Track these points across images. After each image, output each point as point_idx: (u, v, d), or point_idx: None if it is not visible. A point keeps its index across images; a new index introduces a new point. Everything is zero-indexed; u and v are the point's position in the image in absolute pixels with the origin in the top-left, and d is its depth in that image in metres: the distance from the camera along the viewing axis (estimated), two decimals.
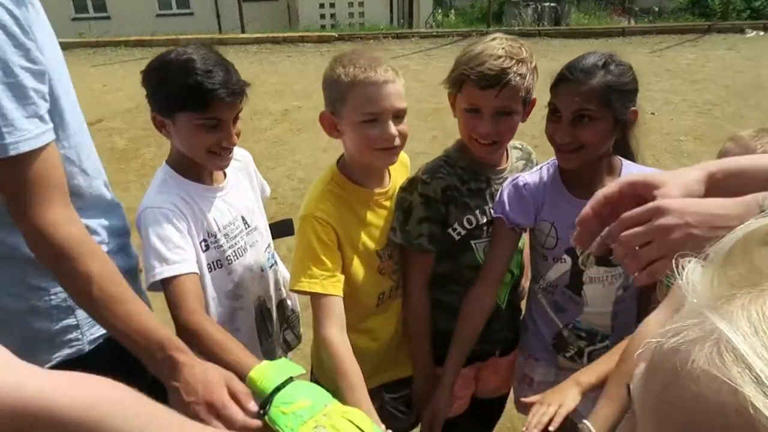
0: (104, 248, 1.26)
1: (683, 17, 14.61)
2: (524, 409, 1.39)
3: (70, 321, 1.23)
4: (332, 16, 18.93)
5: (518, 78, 1.38)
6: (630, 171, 1.45)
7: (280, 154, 5.68)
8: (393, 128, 1.37)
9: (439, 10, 21.28)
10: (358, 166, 1.48)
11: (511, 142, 1.63)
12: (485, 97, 1.39)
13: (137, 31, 12.07)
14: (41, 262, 1.09)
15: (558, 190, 1.49)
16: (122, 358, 1.12)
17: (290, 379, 1.11)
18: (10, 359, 0.65)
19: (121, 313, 1.07)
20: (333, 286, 1.40)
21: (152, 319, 1.11)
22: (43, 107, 1.05)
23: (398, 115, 1.38)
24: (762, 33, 10.77)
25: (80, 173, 1.23)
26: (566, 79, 1.37)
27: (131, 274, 1.39)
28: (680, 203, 0.72)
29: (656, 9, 16.72)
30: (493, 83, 1.37)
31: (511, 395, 1.83)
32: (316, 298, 1.39)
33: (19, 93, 0.99)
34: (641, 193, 0.79)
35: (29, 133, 1.01)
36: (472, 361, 1.67)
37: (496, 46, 1.39)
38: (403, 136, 1.41)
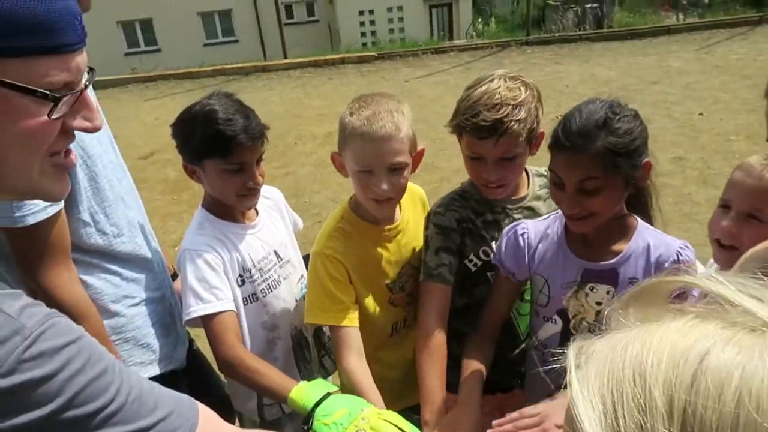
0: (130, 301, 1.42)
1: (734, 9, 14.11)
2: None
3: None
4: (372, 33, 19.24)
5: (516, 124, 1.34)
6: (643, 235, 1.34)
7: (325, 177, 5.78)
8: (385, 183, 1.39)
9: (479, 20, 21.29)
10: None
11: (534, 169, 1.61)
12: (485, 146, 1.37)
13: (186, 61, 12.62)
14: None
15: (559, 246, 1.39)
16: None
17: (328, 395, 1.24)
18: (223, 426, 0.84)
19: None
20: (347, 318, 1.46)
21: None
22: None
23: (395, 168, 1.40)
24: None
25: (114, 236, 1.38)
26: (563, 147, 1.22)
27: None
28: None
29: (706, 1, 16.19)
30: (490, 133, 1.34)
31: None
32: (334, 330, 1.48)
33: None
34: None
35: (36, 206, 1.14)
36: (494, 392, 1.62)
37: (492, 92, 1.36)
38: (399, 189, 1.43)
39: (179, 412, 0.78)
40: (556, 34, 11.60)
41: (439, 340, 1.44)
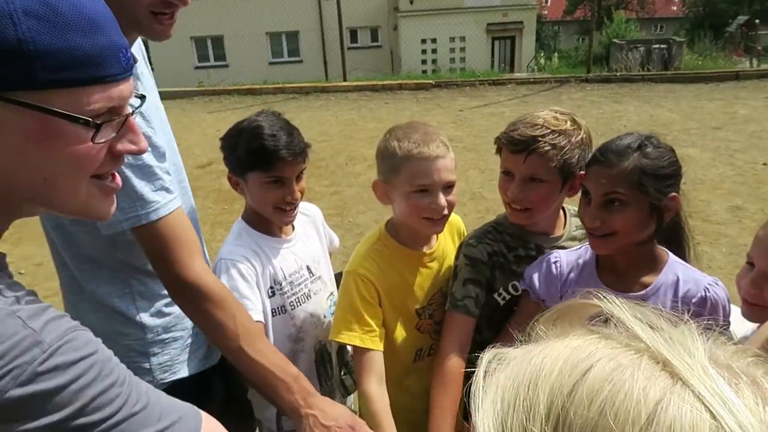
0: None
1: None
2: None
3: (144, 365, 1.40)
4: (434, 62, 19.46)
5: (549, 148, 1.37)
6: (674, 269, 1.36)
7: (371, 199, 5.82)
8: (443, 199, 1.44)
9: (542, 54, 21.22)
10: (406, 229, 1.56)
11: (574, 209, 1.61)
12: (515, 161, 1.43)
13: (252, 78, 13.07)
14: (185, 309, 1.31)
15: (588, 274, 1.42)
16: None
17: None
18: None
19: (261, 349, 1.27)
20: (372, 341, 1.48)
21: (282, 355, 1.31)
22: (168, 181, 1.26)
23: (448, 186, 1.45)
24: None
25: None
26: (597, 161, 1.31)
27: None
28: None
29: None
30: (521, 148, 1.40)
31: None
32: (357, 352, 1.50)
33: (147, 171, 1.21)
34: None
35: (157, 204, 1.22)
36: None
37: (539, 115, 1.43)
38: (451, 206, 1.47)
39: (183, 421, 0.82)
40: (618, 73, 11.43)
41: (455, 370, 1.44)
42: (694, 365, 0.42)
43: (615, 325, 0.48)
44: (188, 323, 1.48)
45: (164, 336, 1.43)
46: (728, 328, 1.37)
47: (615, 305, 0.48)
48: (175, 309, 1.41)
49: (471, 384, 0.49)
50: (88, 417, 0.71)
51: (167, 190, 1.24)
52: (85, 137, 0.73)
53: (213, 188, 6.26)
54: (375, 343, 1.49)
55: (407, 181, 1.44)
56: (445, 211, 1.46)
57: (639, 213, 1.28)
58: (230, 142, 1.57)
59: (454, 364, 1.44)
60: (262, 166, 1.52)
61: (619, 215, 1.28)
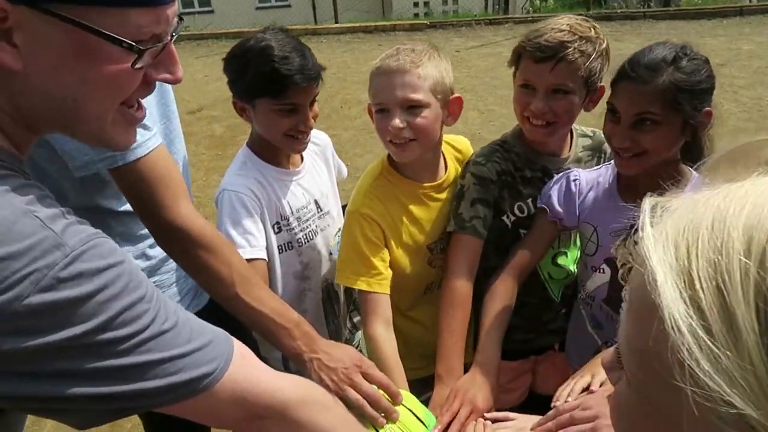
0: None
1: None
2: None
3: None
4: (426, 4, 18.85)
5: (577, 54, 1.28)
6: (699, 188, 1.27)
7: (368, 142, 5.73)
8: (397, 121, 1.29)
9: None
10: None
11: (581, 129, 1.53)
12: (540, 72, 1.31)
13: (238, 24, 12.62)
14: (174, 256, 1.20)
15: (609, 192, 1.36)
16: None
17: None
18: (258, 365, 0.85)
19: (259, 296, 1.18)
20: (378, 284, 1.39)
21: (281, 300, 1.22)
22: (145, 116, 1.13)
23: (411, 106, 1.31)
24: None
25: None
26: (627, 77, 1.21)
27: None
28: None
29: None
30: (548, 56, 1.28)
31: None
32: (363, 294, 1.40)
33: None
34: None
35: (136, 142, 1.08)
36: (527, 354, 1.60)
37: (562, 21, 1.32)
38: (418, 130, 1.32)
39: (215, 344, 0.76)
40: (618, 11, 11.10)
41: (464, 294, 1.37)
42: None
43: None
44: (173, 264, 1.39)
45: (150, 279, 1.33)
46: None
47: None
48: (160, 251, 1.32)
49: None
50: (114, 332, 0.65)
51: (145, 126, 1.11)
52: (125, 60, 0.68)
53: (205, 134, 6.11)
54: (381, 286, 1.39)
55: (371, 98, 1.36)
56: (406, 134, 1.31)
57: (671, 131, 1.20)
58: (236, 64, 1.42)
59: (463, 286, 1.37)
60: (273, 93, 1.38)
61: (650, 135, 1.19)
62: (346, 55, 9.56)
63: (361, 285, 1.39)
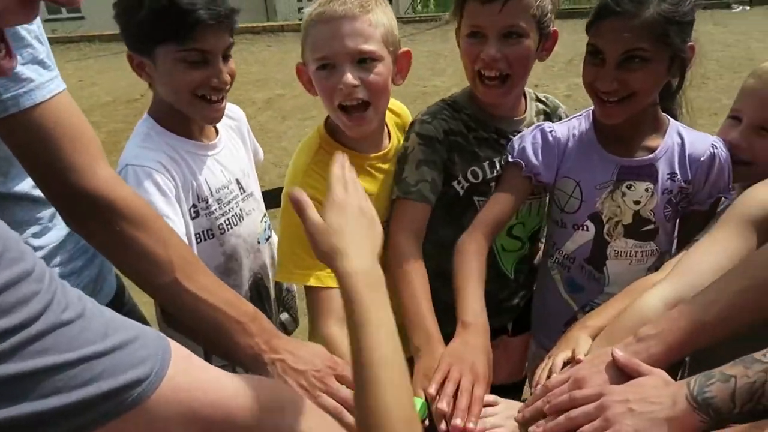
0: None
1: None
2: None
3: None
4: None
5: None
6: (677, 131, 1.25)
7: (266, 142, 5.50)
8: (350, 76, 1.12)
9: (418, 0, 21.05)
10: None
11: (533, 93, 1.43)
12: (488, 14, 1.17)
13: (111, 30, 11.79)
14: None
15: (589, 144, 1.27)
16: None
17: None
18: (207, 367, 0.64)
19: (205, 284, 0.97)
20: (330, 277, 1.14)
21: (232, 290, 1.01)
22: (43, 52, 0.88)
23: (363, 59, 1.14)
24: (748, 8, 10.71)
25: None
26: (612, 12, 1.12)
27: None
28: (621, 392, 0.85)
29: None
30: None
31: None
32: (312, 291, 1.20)
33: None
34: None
35: (29, 83, 0.84)
36: None
37: None
38: (373, 89, 1.15)
39: (143, 341, 0.56)
40: None
41: (414, 256, 1.20)
42: None
43: None
44: (61, 258, 1.11)
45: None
46: (733, 190, 1.27)
47: None
48: (49, 239, 1.06)
49: None
50: None
51: (43, 64, 0.87)
52: None
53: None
54: (333, 280, 1.17)
55: (311, 53, 1.16)
56: (360, 94, 1.14)
57: (660, 68, 1.14)
58: (126, 4, 1.17)
59: (412, 248, 1.20)
60: (175, 36, 1.14)
61: (639, 73, 1.13)
62: (235, 56, 8.89)
63: (306, 280, 1.19)
